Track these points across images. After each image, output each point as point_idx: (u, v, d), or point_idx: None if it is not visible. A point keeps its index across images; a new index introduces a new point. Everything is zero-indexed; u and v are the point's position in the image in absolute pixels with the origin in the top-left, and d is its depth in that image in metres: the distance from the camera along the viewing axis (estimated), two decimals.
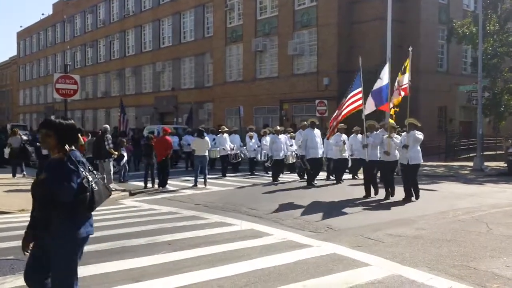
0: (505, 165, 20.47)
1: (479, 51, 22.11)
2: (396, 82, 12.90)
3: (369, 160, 12.34)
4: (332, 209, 10.47)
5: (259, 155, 19.06)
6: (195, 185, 14.87)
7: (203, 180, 15.07)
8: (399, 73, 12.96)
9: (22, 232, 7.98)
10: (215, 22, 35.50)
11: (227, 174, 18.28)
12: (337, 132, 14.97)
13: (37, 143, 14.20)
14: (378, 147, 12.14)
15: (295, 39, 29.51)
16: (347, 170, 16.76)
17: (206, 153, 15.40)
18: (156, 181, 14.69)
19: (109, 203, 11.89)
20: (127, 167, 16.86)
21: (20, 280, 5.40)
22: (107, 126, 15.16)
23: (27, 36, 68.94)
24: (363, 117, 12.63)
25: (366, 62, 12.47)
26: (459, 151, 26.94)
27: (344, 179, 15.92)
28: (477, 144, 21.79)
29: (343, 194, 12.84)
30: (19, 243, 7.13)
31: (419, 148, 11.67)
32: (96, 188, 3.71)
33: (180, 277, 5.54)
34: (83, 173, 3.67)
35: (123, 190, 13.96)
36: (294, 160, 17.82)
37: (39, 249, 3.76)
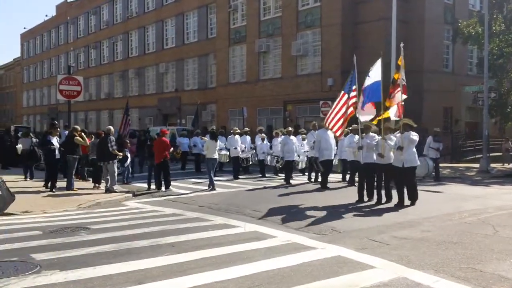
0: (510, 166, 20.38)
1: (485, 52, 22.02)
2: (399, 81, 12.13)
3: (364, 163, 11.99)
4: (337, 211, 10.42)
5: (268, 158, 18.55)
6: (213, 188, 14.45)
7: (208, 181, 14.81)
8: (395, 71, 12.23)
9: (26, 233, 8.04)
10: (218, 23, 35.49)
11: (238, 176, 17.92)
12: (350, 133, 14.56)
13: (50, 146, 13.96)
14: (374, 149, 11.72)
15: (298, 39, 29.45)
16: None
17: (217, 156, 15.16)
18: (162, 186, 14.60)
19: (113, 205, 11.90)
20: (130, 168, 16.83)
21: (24, 282, 5.39)
22: (111, 127, 15.15)
23: (31, 37, 69.18)
24: (360, 119, 12.31)
25: (370, 63, 12.27)
26: (465, 153, 26.84)
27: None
28: (483, 146, 21.70)
29: (349, 196, 12.59)
30: (23, 244, 7.19)
31: (414, 150, 11.29)
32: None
33: (184, 279, 5.49)
34: None
35: (127, 192, 13.94)
36: (305, 166, 17.68)
37: None
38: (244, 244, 7.25)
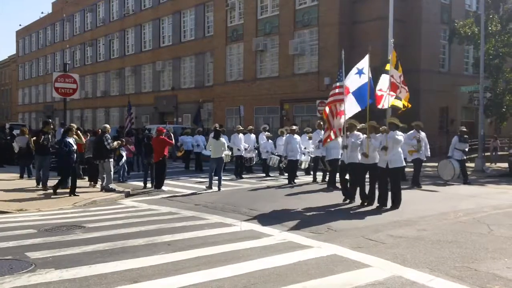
0: (500, 166, 20.44)
1: (481, 52, 22.10)
2: (398, 77, 11.76)
3: (349, 163, 11.47)
4: (333, 211, 10.45)
5: (270, 158, 17.91)
6: (210, 187, 14.11)
7: (217, 182, 14.28)
8: (389, 67, 11.80)
9: (21, 232, 8.01)
10: (215, 21, 35.46)
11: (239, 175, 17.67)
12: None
13: (69, 148, 13.22)
14: (359, 148, 11.25)
15: (296, 38, 29.48)
16: None
17: (223, 155, 14.59)
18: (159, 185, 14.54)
19: (108, 203, 11.88)
20: (126, 167, 16.79)
21: (19, 280, 5.37)
22: (107, 125, 15.12)
23: (27, 34, 68.91)
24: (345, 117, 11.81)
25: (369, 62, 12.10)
26: None
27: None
28: (479, 145, 21.77)
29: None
30: (17, 243, 7.17)
31: (400, 150, 10.88)
32: None
33: (179, 278, 5.49)
34: None
35: (122, 191, 13.90)
36: (307, 166, 17.42)
37: None
38: (240, 243, 7.25)
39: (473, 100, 24.21)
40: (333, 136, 11.98)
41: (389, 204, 10.71)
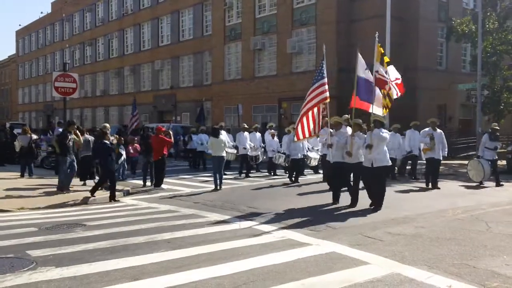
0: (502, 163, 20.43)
1: (479, 49, 22.15)
2: (384, 72, 10.77)
3: (334, 162, 11.05)
4: (332, 209, 10.46)
5: (276, 156, 17.31)
6: (216, 188, 13.67)
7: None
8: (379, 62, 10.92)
9: (21, 230, 8.05)
10: (214, 20, 35.47)
11: (243, 174, 17.48)
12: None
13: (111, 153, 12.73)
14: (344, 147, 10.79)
15: (294, 37, 29.50)
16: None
17: (224, 154, 14.22)
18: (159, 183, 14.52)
19: (109, 202, 11.90)
20: (126, 165, 16.80)
21: (20, 278, 5.41)
22: (107, 125, 15.14)
23: (26, 34, 68.85)
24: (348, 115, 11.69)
25: (365, 60, 12.06)
26: (458, 149, 26.95)
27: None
28: (476, 142, 21.81)
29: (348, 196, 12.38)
30: (18, 241, 7.20)
31: (385, 148, 10.44)
32: None
33: (179, 275, 5.52)
34: None
35: (122, 189, 13.91)
36: (316, 163, 17.06)
37: None
38: (239, 241, 7.28)
39: (470, 98, 24.28)
40: (306, 135, 11.36)
41: (362, 204, 10.32)
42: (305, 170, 16.98)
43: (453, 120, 29.24)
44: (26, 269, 5.78)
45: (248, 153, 17.62)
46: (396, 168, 16.43)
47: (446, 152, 14.81)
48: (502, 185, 14.73)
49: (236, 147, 17.86)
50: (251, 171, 18.10)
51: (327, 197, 11.52)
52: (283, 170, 18.21)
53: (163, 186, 14.42)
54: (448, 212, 9.89)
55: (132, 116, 23.37)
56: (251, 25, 32.27)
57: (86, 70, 51.97)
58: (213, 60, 35.66)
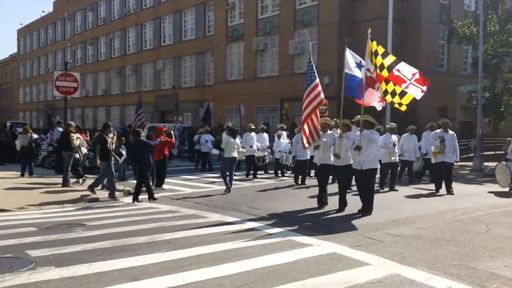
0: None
1: (480, 52, 22.15)
2: (373, 71, 10.09)
3: (321, 164, 10.67)
4: (333, 210, 10.44)
5: (284, 157, 16.84)
6: (229, 188, 13.32)
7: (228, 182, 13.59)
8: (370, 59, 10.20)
9: (21, 230, 8.05)
10: (216, 20, 35.48)
11: (251, 175, 17.26)
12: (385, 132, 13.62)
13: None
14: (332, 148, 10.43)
15: (296, 38, 29.50)
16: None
17: (236, 155, 13.83)
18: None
19: (109, 201, 11.91)
20: (127, 165, 16.78)
21: (19, 278, 5.41)
22: (109, 123, 15.16)
23: (28, 33, 68.94)
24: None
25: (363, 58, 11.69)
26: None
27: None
28: (477, 145, 21.80)
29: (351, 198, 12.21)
30: (18, 241, 7.21)
31: (375, 150, 10.07)
32: None
33: (180, 276, 5.53)
34: None
35: (123, 189, 13.91)
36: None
37: None
38: (240, 241, 7.28)
39: (471, 100, 24.26)
40: (311, 142, 10.68)
41: (351, 209, 9.97)
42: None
43: (453, 122, 29.13)
44: (25, 269, 5.79)
45: (255, 153, 17.36)
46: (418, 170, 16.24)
47: (458, 157, 13.70)
48: None
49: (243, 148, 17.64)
50: (259, 172, 17.82)
51: (330, 199, 11.52)
52: (290, 172, 17.85)
53: (164, 186, 14.42)
54: (448, 213, 9.90)
55: (137, 114, 23.36)
56: (253, 25, 32.29)
57: (88, 70, 52.00)
58: (215, 61, 35.68)
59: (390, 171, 14.09)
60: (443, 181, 13.18)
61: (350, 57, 10.55)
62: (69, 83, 16.05)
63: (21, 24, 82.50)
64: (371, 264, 6.07)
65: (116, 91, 48.71)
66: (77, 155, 14.78)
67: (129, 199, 12.37)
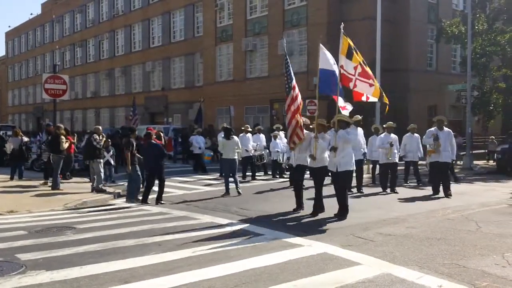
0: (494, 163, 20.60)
1: (468, 51, 22.33)
2: (352, 68, 9.85)
3: (297, 165, 10.30)
4: (325, 211, 10.45)
5: (280, 157, 16.74)
6: (228, 193, 12.83)
7: (234, 186, 13.22)
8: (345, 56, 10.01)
9: (11, 233, 7.97)
10: (205, 21, 35.44)
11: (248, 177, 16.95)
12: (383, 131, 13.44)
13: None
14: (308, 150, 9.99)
15: (285, 38, 29.50)
16: None
17: (236, 156, 13.29)
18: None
19: (99, 204, 11.84)
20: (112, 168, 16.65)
21: (9, 282, 5.36)
22: (99, 127, 15.11)
23: (16, 36, 68.35)
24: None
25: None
26: None
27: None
28: (466, 143, 21.97)
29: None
30: (8, 244, 7.14)
31: (351, 151, 9.60)
32: None
33: (171, 278, 5.51)
34: None
35: (113, 192, 13.85)
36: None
37: None
38: (230, 242, 7.28)
39: (460, 99, 24.46)
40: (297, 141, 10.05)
41: (327, 212, 9.67)
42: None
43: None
44: (15, 273, 5.73)
45: (251, 154, 17.14)
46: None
47: (454, 156, 13.21)
48: None
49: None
50: (257, 174, 17.66)
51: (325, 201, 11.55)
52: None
53: (154, 188, 14.34)
54: (438, 212, 9.96)
55: (133, 116, 23.30)
56: (242, 26, 32.28)
57: (77, 72, 51.66)
58: (205, 62, 35.62)
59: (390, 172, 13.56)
60: (441, 183, 12.52)
61: (326, 56, 10.35)
62: (58, 85, 15.92)
63: (9, 26, 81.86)
64: (362, 263, 6.08)
65: (105, 93, 48.46)
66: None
67: (120, 202, 12.32)
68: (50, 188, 14.03)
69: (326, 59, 10.21)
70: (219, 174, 17.40)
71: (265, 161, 18.08)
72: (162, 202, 11.77)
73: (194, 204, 11.45)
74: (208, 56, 35.05)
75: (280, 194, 13.31)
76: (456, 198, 12.02)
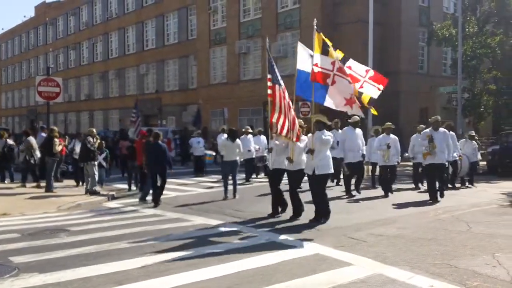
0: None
1: (459, 53, 22.52)
2: (329, 63, 9.44)
3: (273, 169, 9.96)
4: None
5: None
6: (226, 197, 12.58)
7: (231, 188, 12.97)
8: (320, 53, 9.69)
9: (4, 236, 7.96)
10: (198, 24, 35.50)
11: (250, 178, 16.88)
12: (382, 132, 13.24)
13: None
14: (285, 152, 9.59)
15: (278, 41, 29.63)
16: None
17: (237, 158, 13.00)
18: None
19: (93, 207, 11.83)
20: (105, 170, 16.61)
21: (2, 285, 5.36)
22: (93, 129, 15.09)
23: (9, 38, 68.06)
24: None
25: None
26: None
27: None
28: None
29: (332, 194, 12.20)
30: (1, 247, 7.13)
31: (328, 153, 9.17)
32: None
33: (164, 280, 5.53)
34: None
35: (107, 194, 13.83)
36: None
37: None
38: (224, 244, 7.31)
39: (451, 101, 24.66)
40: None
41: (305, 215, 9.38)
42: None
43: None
44: (8, 275, 5.73)
45: (253, 156, 16.99)
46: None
47: (451, 157, 12.70)
48: None
49: None
50: (259, 176, 17.62)
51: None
52: None
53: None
54: (429, 213, 10.03)
55: (136, 118, 23.22)
56: (235, 29, 32.36)
57: (70, 74, 51.52)
58: (198, 64, 35.66)
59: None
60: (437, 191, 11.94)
61: (303, 55, 9.97)
62: (51, 88, 15.91)
63: (2, 29, 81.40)
64: (354, 264, 6.12)
65: (99, 96, 48.36)
66: (32, 160, 14.80)
67: (114, 204, 12.32)
68: (43, 191, 13.99)
69: (304, 59, 9.88)
70: (221, 177, 17.34)
71: (266, 162, 18.05)
72: (159, 203, 11.75)
73: (188, 206, 11.46)
74: (202, 59, 35.09)
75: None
76: (447, 199, 12.08)
